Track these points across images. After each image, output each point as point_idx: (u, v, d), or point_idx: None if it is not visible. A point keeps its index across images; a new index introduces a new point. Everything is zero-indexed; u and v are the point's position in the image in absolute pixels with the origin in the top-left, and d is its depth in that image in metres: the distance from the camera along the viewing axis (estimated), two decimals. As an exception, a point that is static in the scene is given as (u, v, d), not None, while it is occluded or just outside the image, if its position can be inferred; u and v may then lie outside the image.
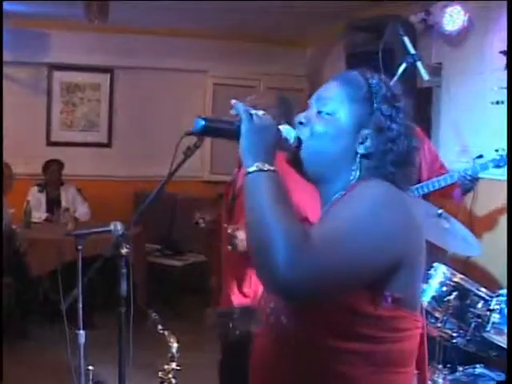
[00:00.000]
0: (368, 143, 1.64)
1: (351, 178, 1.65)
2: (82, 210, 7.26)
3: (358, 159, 1.65)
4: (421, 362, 1.75)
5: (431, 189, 4.07)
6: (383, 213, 1.51)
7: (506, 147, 3.86)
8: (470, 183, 4.04)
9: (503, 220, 4.74)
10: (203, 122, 1.69)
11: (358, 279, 1.49)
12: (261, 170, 1.55)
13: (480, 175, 4.08)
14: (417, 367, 1.72)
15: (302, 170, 1.70)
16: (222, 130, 1.72)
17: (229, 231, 3.18)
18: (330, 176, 1.68)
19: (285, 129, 1.70)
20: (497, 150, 3.87)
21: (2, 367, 4.34)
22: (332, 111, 1.68)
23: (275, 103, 3.38)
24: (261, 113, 1.68)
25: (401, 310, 1.55)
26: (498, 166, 3.84)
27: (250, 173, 1.56)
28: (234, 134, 1.65)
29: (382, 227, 1.49)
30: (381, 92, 1.67)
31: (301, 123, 1.71)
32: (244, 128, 1.63)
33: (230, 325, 1.99)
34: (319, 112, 1.70)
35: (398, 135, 1.63)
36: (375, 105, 1.66)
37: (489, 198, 4.81)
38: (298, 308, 1.58)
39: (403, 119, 1.65)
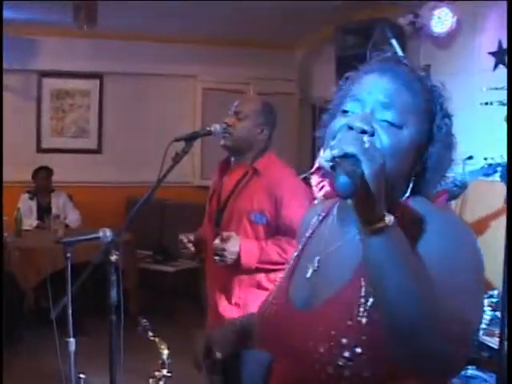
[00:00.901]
0: (431, 161, 1.49)
1: (405, 195, 1.49)
2: (73, 217, 7.24)
3: (412, 177, 1.49)
4: None
5: None
6: (474, 246, 1.42)
7: (495, 154, 3.85)
8: (457, 190, 4.05)
9: (494, 221, 4.74)
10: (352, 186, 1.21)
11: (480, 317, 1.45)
12: (388, 227, 1.24)
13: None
14: None
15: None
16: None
17: (216, 242, 3.15)
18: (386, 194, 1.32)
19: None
20: (485, 159, 3.86)
21: (1, 371, 4.32)
22: (399, 123, 1.44)
23: (260, 109, 3.38)
24: (365, 138, 1.27)
25: None
26: (486, 175, 3.84)
27: (385, 227, 1.23)
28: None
29: (478, 262, 1.41)
30: (440, 101, 1.52)
31: (364, 132, 1.35)
32: (368, 171, 1.19)
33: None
34: (384, 120, 1.44)
35: (452, 146, 1.52)
36: (438, 118, 1.51)
37: (478, 199, 4.82)
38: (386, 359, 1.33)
39: (451, 127, 1.52)
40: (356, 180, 1.19)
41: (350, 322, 1.40)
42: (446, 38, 5.33)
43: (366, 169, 1.18)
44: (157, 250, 7.47)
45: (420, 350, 1.23)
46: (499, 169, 3.63)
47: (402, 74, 1.50)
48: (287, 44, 8.36)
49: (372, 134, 1.37)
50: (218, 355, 1.73)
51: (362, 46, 5.34)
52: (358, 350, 1.37)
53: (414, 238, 1.36)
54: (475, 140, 4.99)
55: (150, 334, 2.71)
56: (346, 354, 1.38)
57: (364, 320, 1.39)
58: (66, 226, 6.82)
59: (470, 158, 4.81)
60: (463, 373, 3.66)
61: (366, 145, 1.22)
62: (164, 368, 2.64)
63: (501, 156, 3.62)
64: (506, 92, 4.67)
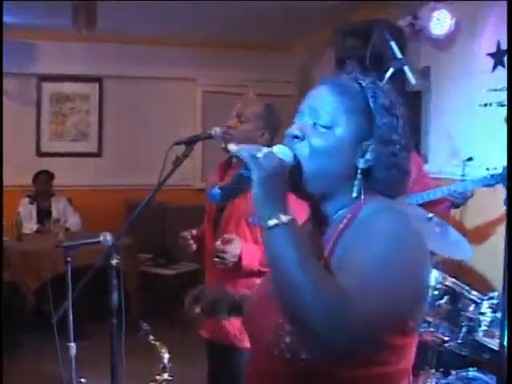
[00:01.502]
0: (369, 157, 1.56)
1: (353, 194, 1.56)
2: (73, 221, 7.25)
3: (358, 175, 1.56)
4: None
5: (419, 201, 4.08)
6: (406, 249, 1.44)
7: (494, 156, 3.86)
8: (459, 199, 4.05)
9: (495, 227, 4.75)
10: (219, 191, 1.53)
11: (396, 319, 1.44)
12: (282, 223, 1.41)
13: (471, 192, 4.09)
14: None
15: (298, 188, 1.56)
16: (240, 189, 1.56)
17: (217, 243, 3.14)
18: (330, 194, 1.58)
19: (279, 149, 1.55)
20: (488, 169, 3.87)
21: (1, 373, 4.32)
22: (329, 124, 1.56)
23: (262, 113, 3.37)
24: (265, 150, 1.51)
25: (416, 334, 1.54)
26: (488, 185, 3.84)
27: (270, 228, 1.41)
28: (247, 188, 1.51)
29: (408, 263, 1.44)
30: (379, 100, 1.59)
31: (296, 137, 1.57)
32: (255, 177, 1.46)
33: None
34: (314, 124, 1.58)
35: (401, 147, 1.57)
36: (374, 115, 1.57)
37: (479, 206, 4.82)
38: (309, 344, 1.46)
39: (402, 128, 1.58)
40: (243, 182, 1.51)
41: None
42: (445, 39, 5.33)
43: (253, 174, 1.46)
44: (157, 253, 7.46)
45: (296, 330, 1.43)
46: (501, 180, 3.64)
47: (338, 82, 1.63)
48: (286, 46, 8.37)
49: (303, 139, 1.57)
50: (197, 310, 2.08)
51: (361, 47, 5.35)
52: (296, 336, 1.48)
53: (357, 236, 1.48)
54: (475, 141, 5.01)
55: (151, 337, 2.71)
56: (287, 340, 1.49)
57: None
58: (67, 229, 6.82)
59: (470, 159, 4.83)
60: (464, 374, 3.66)
61: (260, 154, 1.48)
62: (165, 372, 2.65)
63: (503, 166, 3.62)
64: (505, 93, 4.68)
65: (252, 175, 1.46)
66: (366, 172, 1.57)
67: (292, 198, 1.58)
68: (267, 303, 1.59)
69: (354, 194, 1.56)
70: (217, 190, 1.52)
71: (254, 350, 1.70)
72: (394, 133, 1.57)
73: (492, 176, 3.78)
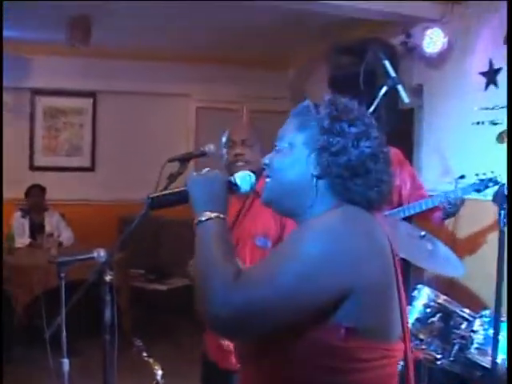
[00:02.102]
0: (320, 164, 1.67)
1: (311, 203, 1.70)
2: (66, 235, 7.23)
3: (314, 182, 1.69)
4: None
5: (412, 212, 4.10)
6: (322, 244, 1.52)
7: (486, 170, 3.88)
8: (452, 208, 4.06)
9: (487, 240, 4.77)
10: (150, 200, 1.95)
11: (292, 312, 1.51)
12: (209, 219, 1.69)
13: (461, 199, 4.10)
14: None
15: (274, 208, 1.83)
16: (172, 200, 1.93)
17: None
18: (299, 208, 1.73)
19: (239, 176, 1.88)
20: (477, 175, 3.89)
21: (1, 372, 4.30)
22: (287, 143, 1.76)
23: (259, 135, 3.40)
24: (204, 170, 1.84)
25: (363, 340, 1.55)
26: (477, 190, 3.87)
27: (199, 222, 1.69)
28: (185, 198, 1.82)
29: (318, 259, 1.50)
30: (325, 111, 1.70)
31: (266, 165, 1.81)
32: (189, 184, 1.80)
33: None
34: (278, 148, 1.78)
35: (342, 148, 1.64)
36: (319, 124, 1.69)
37: (471, 219, 4.84)
38: (260, 345, 1.62)
39: (353, 131, 1.66)
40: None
41: None
42: (437, 58, 5.37)
43: (188, 183, 1.80)
44: (149, 269, 7.45)
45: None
46: (490, 184, 3.66)
47: (301, 105, 1.81)
48: (280, 62, 8.40)
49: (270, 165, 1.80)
50: None
51: (354, 65, 5.37)
52: None
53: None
54: (467, 159, 5.03)
55: (144, 354, 2.72)
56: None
57: None
58: (60, 244, 6.81)
59: (462, 177, 4.83)
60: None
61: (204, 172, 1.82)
62: (158, 388, 2.65)
63: (491, 172, 3.65)
64: (497, 111, 4.72)
65: (188, 184, 1.81)
66: (322, 180, 1.68)
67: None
68: None
69: (311, 203, 1.69)
70: (148, 200, 1.95)
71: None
72: (335, 136, 1.66)
73: (481, 181, 3.80)
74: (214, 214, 1.69)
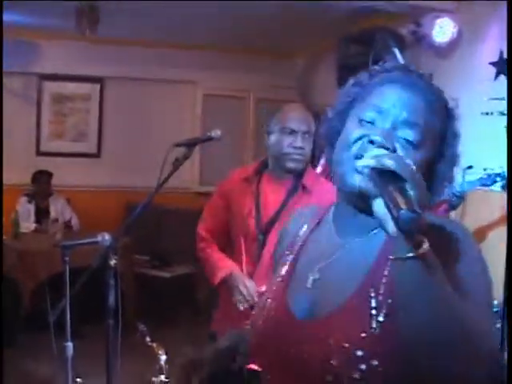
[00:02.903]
0: (437, 178, 1.50)
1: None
2: (75, 220, 7.27)
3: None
4: None
5: None
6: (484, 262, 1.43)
7: (494, 165, 3.85)
8: (457, 200, 4.04)
9: (493, 231, 4.74)
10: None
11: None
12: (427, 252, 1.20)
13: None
14: None
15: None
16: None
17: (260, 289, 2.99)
18: None
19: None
20: (485, 169, 3.85)
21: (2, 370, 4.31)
22: (418, 142, 1.42)
23: (313, 123, 3.28)
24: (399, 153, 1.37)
25: None
26: (485, 185, 3.83)
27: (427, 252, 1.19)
28: None
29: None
30: (452, 120, 1.52)
31: (382, 147, 1.35)
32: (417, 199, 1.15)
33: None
34: (404, 139, 1.41)
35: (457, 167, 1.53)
36: (449, 137, 1.51)
37: (478, 209, 4.82)
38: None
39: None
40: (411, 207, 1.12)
41: (363, 334, 1.36)
42: (447, 47, 5.33)
43: (415, 195, 1.13)
44: (154, 256, 7.45)
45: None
46: (498, 179, 3.61)
47: (424, 89, 1.48)
48: (288, 51, 8.36)
49: (393, 151, 1.36)
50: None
51: (363, 54, 5.35)
52: (375, 362, 1.34)
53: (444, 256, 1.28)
54: (476, 150, 4.99)
55: (148, 339, 2.71)
56: (362, 367, 1.35)
57: (377, 332, 1.36)
58: (70, 227, 6.86)
59: (470, 167, 4.80)
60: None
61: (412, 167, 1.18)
62: (162, 373, 2.64)
63: (500, 167, 3.61)
64: (506, 102, 4.68)
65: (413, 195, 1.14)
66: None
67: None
68: (306, 323, 1.47)
69: None
70: (408, 214, 1.12)
71: (287, 375, 1.47)
72: (458, 154, 1.52)
73: (489, 176, 3.77)
74: (427, 244, 1.18)
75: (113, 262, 2.76)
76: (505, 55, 4.76)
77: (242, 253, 3.29)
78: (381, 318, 1.37)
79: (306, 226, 1.68)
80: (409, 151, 1.39)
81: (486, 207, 4.63)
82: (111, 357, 2.82)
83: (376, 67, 1.58)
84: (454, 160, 1.51)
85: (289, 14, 6.22)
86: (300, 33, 7.17)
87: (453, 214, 4.86)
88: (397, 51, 4.15)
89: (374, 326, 1.36)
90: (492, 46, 4.92)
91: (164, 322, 6.38)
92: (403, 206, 1.11)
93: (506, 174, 3.84)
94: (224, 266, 3.29)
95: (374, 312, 1.38)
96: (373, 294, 1.40)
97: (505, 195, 3.12)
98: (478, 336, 1.22)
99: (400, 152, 1.37)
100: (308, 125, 3.23)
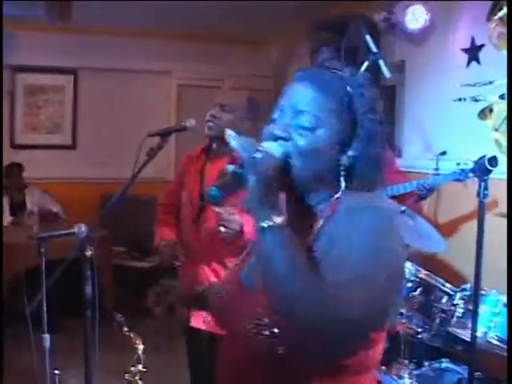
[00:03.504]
0: (351, 154, 1.58)
1: (336, 190, 1.59)
2: (58, 210, 7.27)
3: (342, 171, 1.59)
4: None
5: (389, 195, 4.10)
6: (391, 244, 1.49)
7: (467, 147, 3.88)
8: (426, 192, 4.09)
9: (466, 221, 4.79)
10: (217, 191, 1.54)
11: (383, 311, 1.48)
12: (276, 225, 1.45)
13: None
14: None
15: (284, 184, 1.56)
16: (235, 187, 1.55)
17: (222, 211, 3.11)
18: (313, 189, 1.60)
19: (270, 147, 1.54)
20: (458, 164, 3.87)
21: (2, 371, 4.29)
22: (313, 125, 1.56)
23: (245, 103, 3.42)
24: (261, 149, 1.53)
25: None
26: (458, 180, 3.85)
27: (263, 229, 1.44)
28: (243, 185, 1.52)
29: (393, 257, 1.48)
30: (362, 97, 1.60)
31: (280, 138, 1.57)
32: (251, 179, 1.48)
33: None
34: (298, 125, 1.58)
35: (380, 139, 1.60)
36: (357, 113, 1.59)
37: (451, 200, 4.87)
38: (302, 339, 1.46)
39: (380, 119, 1.61)
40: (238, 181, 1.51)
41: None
42: (420, 34, 5.36)
43: (250, 176, 1.48)
44: (132, 246, 7.45)
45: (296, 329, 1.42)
46: (471, 175, 3.62)
47: (321, 79, 1.63)
48: (262, 40, 8.37)
49: (289, 139, 1.56)
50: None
51: (336, 41, 5.36)
52: (275, 330, 1.53)
53: (341, 230, 1.50)
54: (448, 135, 5.05)
55: (125, 329, 2.72)
56: (266, 333, 1.55)
57: None
58: (57, 218, 6.83)
59: (444, 153, 4.87)
60: (437, 365, 3.70)
61: (258, 155, 1.49)
62: (139, 363, 2.65)
63: (473, 162, 3.64)
64: (478, 88, 4.73)
65: (248, 177, 1.48)
66: (351, 169, 1.59)
67: None
68: (243, 297, 1.64)
69: (340, 190, 1.58)
70: (215, 191, 1.53)
71: (228, 342, 1.73)
72: (377, 128, 1.59)
73: (462, 171, 3.79)
74: (281, 218, 1.47)
75: (89, 253, 2.76)
76: (476, 42, 4.80)
77: (185, 217, 3.63)
78: None
79: None
80: (306, 135, 1.57)
81: (459, 198, 4.67)
82: (89, 348, 2.82)
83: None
84: (369, 138, 1.59)
85: (262, 1, 6.22)
86: (273, 21, 7.18)
87: (425, 208, 4.92)
88: (369, 38, 4.16)
89: None
90: (464, 33, 4.95)
91: (142, 313, 6.37)
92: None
93: (482, 160, 3.88)
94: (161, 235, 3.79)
95: None
96: None
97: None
98: (330, 302, 1.37)
99: (297, 138, 1.56)
100: (232, 101, 3.46)
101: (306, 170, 1.55)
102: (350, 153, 1.58)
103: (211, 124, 3.41)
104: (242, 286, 1.68)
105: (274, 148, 1.53)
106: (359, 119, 1.59)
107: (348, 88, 1.60)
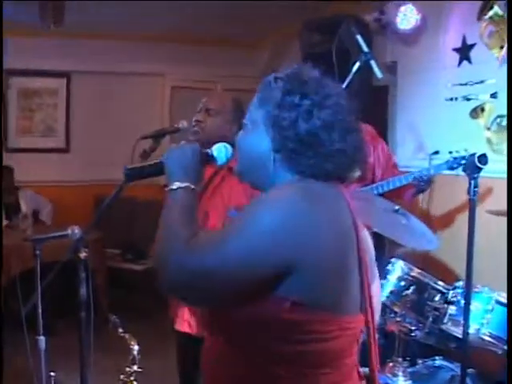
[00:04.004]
0: (270, 137, 1.72)
1: (270, 177, 1.73)
2: (46, 210, 7.27)
3: (271, 157, 1.72)
4: (370, 359, 1.76)
5: (386, 189, 4.11)
6: (269, 217, 1.55)
7: (460, 146, 3.89)
8: (424, 185, 4.09)
9: (459, 214, 4.81)
10: (127, 172, 2.01)
11: (236, 282, 1.56)
12: (178, 188, 1.77)
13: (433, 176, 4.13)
14: (366, 365, 1.76)
15: (243, 181, 1.86)
16: (149, 171, 2.00)
17: None
18: (261, 182, 1.77)
19: (216, 148, 1.97)
20: (450, 152, 3.90)
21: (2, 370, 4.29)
22: (249, 120, 1.81)
23: (230, 106, 3.40)
24: (182, 143, 1.97)
25: (312, 313, 1.58)
26: (451, 168, 3.87)
27: (170, 190, 1.78)
28: (160, 170, 1.90)
29: (263, 231, 1.54)
30: (279, 85, 1.73)
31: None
32: (165, 156, 1.89)
33: None
34: (244, 124, 1.83)
35: (292, 121, 1.66)
36: (273, 99, 1.71)
37: (445, 193, 4.88)
38: (212, 316, 1.73)
39: (305, 103, 1.67)
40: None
41: None
42: (411, 34, 5.38)
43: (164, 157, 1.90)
44: (126, 249, 7.45)
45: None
46: (463, 162, 3.66)
47: (260, 87, 1.81)
48: (253, 41, 8.37)
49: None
50: None
51: (327, 42, 5.37)
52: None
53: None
54: (441, 135, 5.07)
55: (120, 330, 2.73)
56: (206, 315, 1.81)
57: None
58: (41, 222, 6.82)
59: (436, 152, 4.88)
60: (430, 363, 3.71)
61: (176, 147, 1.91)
62: (134, 364, 2.66)
63: (465, 150, 3.66)
64: (470, 87, 4.75)
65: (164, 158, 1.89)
66: (282, 156, 1.70)
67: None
68: None
69: (270, 177, 1.73)
70: (125, 171, 2.02)
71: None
72: (284, 110, 1.68)
73: (455, 159, 3.81)
74: (184, 184, 1.77)
75: (83, 255, 2.77)
76: (467, 41, 4.83)
77: None
78: None
79: None
80: (245, 128, 1.83)
81: (451, 192, 4.69)
82: (84, 349, 2.83)
83: None
84: (284, 124, 1.69)
85: (254, 3, 6.23)
86: (265, 22, 7.19)
87: (420, 199, 4.94)
88: (360, 38, 4.17)
89: None
90: (455, 33, 4.98)
91: (137, 315, 6.39)
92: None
93: (472, 158, 3.89)
94: None
95: None
96: None
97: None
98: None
99: (240, 135, 1.85)
100: (217, 104, 3.41)
101: (245, 160, 1.82)
102: (274, 139, 1.73)
103: (195, 129, 3.34)
104: None
105: (219, 148, 1.99)
106: (275, 112, 1.71)
107: (276, 77, 1.78)
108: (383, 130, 5.45)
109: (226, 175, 3.32)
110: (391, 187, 4.11)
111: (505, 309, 3.32)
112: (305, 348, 1.59)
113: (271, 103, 1.72)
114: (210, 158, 1.96)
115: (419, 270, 3.60)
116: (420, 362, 3.75)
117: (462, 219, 4.71)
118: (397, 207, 3.68)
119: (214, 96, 3.58)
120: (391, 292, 3.56)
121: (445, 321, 3.42)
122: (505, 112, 4.43)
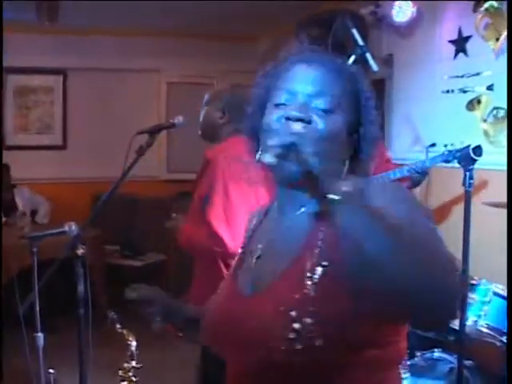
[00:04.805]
0: (363, 141, 1.58)
1: (343, 175, 1.52)
2: (43, 209, 7.26)
3: (347, 158, 1.56)
4: None
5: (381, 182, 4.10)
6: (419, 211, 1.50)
7: (456, 138, 3.89)
8: (419, 177, 4.09)
9: (455, 206, 4.81)
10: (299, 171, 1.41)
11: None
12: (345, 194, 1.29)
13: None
14: None
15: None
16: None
17: None
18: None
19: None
20: (446, 145, 3.90)
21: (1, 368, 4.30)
22: (331, 108, 1.51)
23: (221, 94, 3.43)
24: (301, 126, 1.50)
25: None
26: (446, 161, 3.87)
27: (334, 200, 1.27)
28: None
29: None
30: (361, 85, 1.59)
31: (299, 120, 1.47)
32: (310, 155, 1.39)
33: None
34: (319, 109, 1.50)
35: (377, 122, 1.61)
36: (363, 99, 1.58)
37: (441, 186, 4.89)
38: (338, 326, 1.39)
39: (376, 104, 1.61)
40: (304, 165, 1.34)
41: (297, 296, 1.41)
42: (407, 27, 5.38)
43: (308, 154, 1.34)
44: (124, 245, 7.45)
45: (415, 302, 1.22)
46: (459, 155, 3.65)
47: (327, 62, 1.58)
48: (250, 36, 8.37)
49: (309, 122, 1.47)
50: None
51: (323, 37, 5.36)
52: (308, 320, 1.38)
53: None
54: (437, 127, 5.07)
55: (118, 326, 2.72)
56: (296, 326, 1.39)
57: (312, 293, 1.41)
58: (35, 222, 6.81)
59: (433, 145, 4.87)
60: (429, 355, 3.72)
61: (301, 129, 1.44)
62: (133, 360, 2.65)
63: (460, 142, 3.66)
64: (466, 79, 4.75)
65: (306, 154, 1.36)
66: (355, 153, 1.58)
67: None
68: (251, 299, 1.55)
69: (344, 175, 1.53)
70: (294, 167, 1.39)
71: (238, 357, 1.56)
72: (375, 113, 1.60)
73: (450, 152, 3.81)
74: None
75: (80, 252, 2.76)
76: (463, 33, 4.82)
77: None
78: (315, 279, 1.42)
79: (255, 219, 1.80)
80: (324, 117, 1.49)
81: (448, 184, 4.69)
82: (83, 346, 2.83)
83: (280, 54, 1.72)
84: (372, 120, 1.60)
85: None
86: (262, 17, 7.18)
87: (417, 192, 4.93)
88: (355, 31, 4.17)
89: (308, 287, 1.42)
90: (451, 25, 4.97)
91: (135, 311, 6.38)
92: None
93: (467, 150, 3.89)
94: None
95: (308, 274, 1.43)
96: (308, 257, 1.46)
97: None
98: (441, 252, 1.30)
99: (317, 120, 1.48)
100: (211, 94, 3.59)
101: (326, 153, 1.43)
102: (358, 137, 1.58)
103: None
104: (241, 294, 1.59)
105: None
106: (363, 103, 1.58)
107: (351, 72, 1.60)
108: (379, 123, 5.43)
109: (206, 164, 3.49)
110: (386, 181, 4.11)
111: (502, 300, 3.32)
112: (388, 350, 1.50)
113: (359, 94, 1.59)
114: None
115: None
116: (418, 354, 3.75)
117: (459, 211, 4.71)
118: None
119: (216, 88, 3.65)
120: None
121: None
122: (501, 104, 4.43)
